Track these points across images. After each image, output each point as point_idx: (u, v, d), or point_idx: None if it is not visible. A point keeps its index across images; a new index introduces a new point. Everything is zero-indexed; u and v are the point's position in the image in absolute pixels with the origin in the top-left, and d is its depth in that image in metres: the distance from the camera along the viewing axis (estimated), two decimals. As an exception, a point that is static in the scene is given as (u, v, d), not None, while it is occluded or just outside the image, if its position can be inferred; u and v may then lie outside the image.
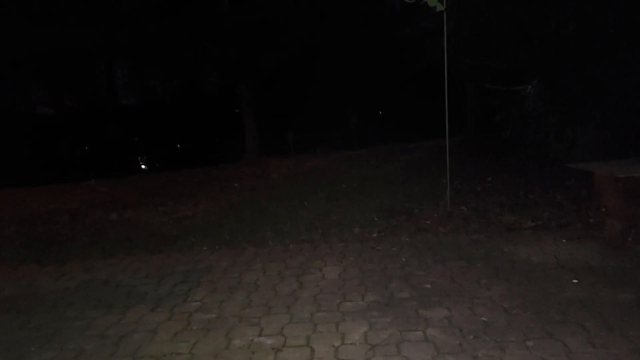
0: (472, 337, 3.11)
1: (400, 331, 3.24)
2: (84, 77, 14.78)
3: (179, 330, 3.49)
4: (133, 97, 16.55)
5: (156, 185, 9.00)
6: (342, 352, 3.05)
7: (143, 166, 14.68)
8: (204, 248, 5.26)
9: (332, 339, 3.22)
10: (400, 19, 8.48)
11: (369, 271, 4.30)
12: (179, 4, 10.48)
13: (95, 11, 10.52)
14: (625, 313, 3.26)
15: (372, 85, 13.10)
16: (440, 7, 5.27)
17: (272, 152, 11.88)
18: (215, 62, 11.95)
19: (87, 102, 15.40)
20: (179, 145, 15.12)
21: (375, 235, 5.27)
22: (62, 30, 10.32)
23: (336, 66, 12.55)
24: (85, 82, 15.08)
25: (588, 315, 3.26)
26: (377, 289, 3.93)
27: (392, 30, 9.81)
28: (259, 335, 3.33)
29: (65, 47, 10.78)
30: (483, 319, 3.32)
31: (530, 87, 6.04)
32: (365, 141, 13.10)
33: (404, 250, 4.75)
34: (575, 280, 3.81)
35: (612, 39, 5.35)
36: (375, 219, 5.72)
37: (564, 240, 4.68)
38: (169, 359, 3.13)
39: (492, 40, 5.90)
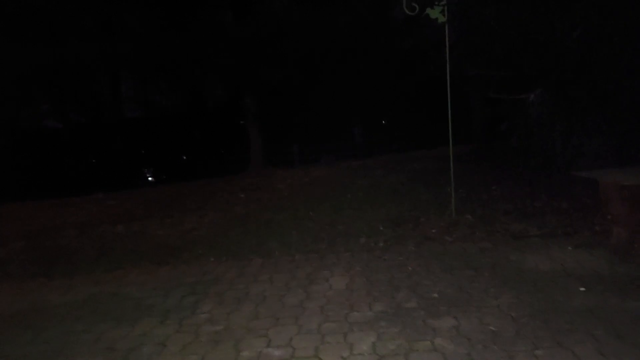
0: (480, 346, 3.10)
1: (409, 341, 3.24)
2: (90, 91, 14.94)
3: (188, 342, 3.50)
4: (139, 110, 16.69)
5: (162, 197, 9.04)
6: (351, 363, 3.05)
7: (150, 178, 14.75)
8: (211, 259, 5.28)
9: (341, 349, 3.21)
10: (403, 29, 8.55)
11: (376, 281, 4.31)
12: (184, 18, 10.59)
13: (100, 26, 10.65)
14: (634, 321, 3.24)
15: (377, 95, 13.15)
16: (442, 19, 5.34)
17: (277, 163, 11.91)
18: (220, 74, 12.04)
19: (93, 116, 15.54)
20: (184, 157, 15.20)
21: (381, 244, 5.27)
22: (67, 45, 10.45)
23: (341, 77, 12.60)
24: (91, 96, 15.23)
25: (597, 324, 3.24)
26: (384, 298, 3.92)
27: (395, 41, 9.88)
28: (267, 347, 3.33)
29: (71, 61, 10.90)
30: (491, 328, 3.31)
31: (534, 95, 6.05)
32: (370, 151, 13.13)
33: (411, 260, 4.75)
34: (583, 288, 3.80)
35: (617, 46, 5.36)
36: (382, 229, 5.73)
37: (570, 248, 4.67)
38: (177, 371, 3.14)
39: (496, 48, 5.93)
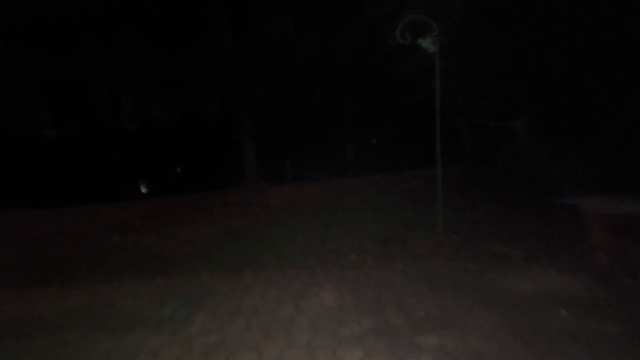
0: (463, 364, 3.23)
1: (395, 358, 3.36)
2: (87, 102, 15.03)
3: (181, 353, 3.59)
4: (135, 123, 16.77)
5: (156, 209, 9.14)
6: (339, 377, 3.17)
7: (144, 190, 14.78)
8: (205, 272, 5.38)
9: (329, 364, 3.33)
10: (395, 55, 8.82)
11: (365, 298, 4.43)
12: (185, 36, 10.81)
13: (99, 41, 10.83)
14: (613, 345, 3.37)
15: (369, 116, 13.41)
16: (432, 49, 5.58)
17: (270, 179, 12.07)
18: (216, 91, 12.24)
19: (89, 127, 15.60)
20: (178, 170, 15.28)
21: (370, 262, 5.41)
22: (66, 58, 10.60)
23: (334, 97, 12.86)
24: (88, 107, 15.31)
25: (577, 347, 3.37)
26: (372, 315, 4.05)
27: (387, 66, 10.14)
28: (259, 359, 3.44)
29: (69, 74, 11.04)
30: (475, 347, 3.44)
31: (519, 123, 6.29)
32: (361, 169, 13.32)
33: (398, 278, 4.89)
34: (564, 312, 3.93)
35: (600, 81, 5.61)
36: (371, 247, 5.87)
37: (552, 272, 4.82)
38: (171, 381, 3.23)
39: (483, 78, 6.17)
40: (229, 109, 13.57)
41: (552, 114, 6.08)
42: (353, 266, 5.32)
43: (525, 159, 6.50)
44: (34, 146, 13.65)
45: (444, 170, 6.14)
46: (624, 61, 5.73)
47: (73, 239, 6.98)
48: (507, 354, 3.33)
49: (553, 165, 6.33)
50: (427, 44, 5.43)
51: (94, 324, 4.20)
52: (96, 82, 12.60)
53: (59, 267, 5.83)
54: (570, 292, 4.32)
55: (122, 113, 15.96)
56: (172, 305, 4.51)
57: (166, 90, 12.90)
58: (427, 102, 7.15)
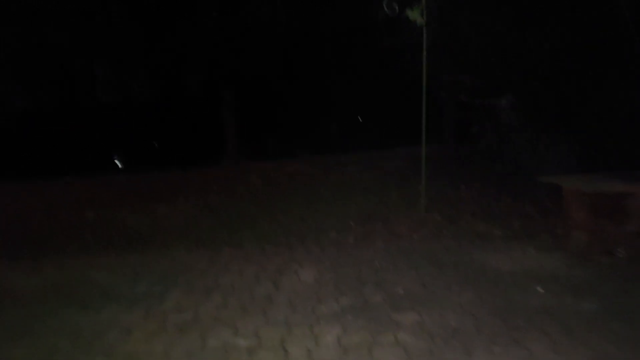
0: (441, 341, 3.21)
1: (373, 335, 3.33)
2: (62, 73, 14.56)
3: (154, 330, 3.51)
4: (111, 95, 16.35)
5: (133, 184, 8.96)
6: (316, 355, 3.12)
7: (119, 165, 14.48)
8: (181, 249, 5.29)
9: (306, 341, 3.28)
10: (382, 29, 8.67)
11: (344, 275, 4.39)
12: (163, 4, 10.46)
13: (77, 9, 10.42)
14: (587, 322, 3.40)
15: (353, 92, 13.25)
16: (421, 22, 5.44)
17: (251, 155, 11.90)
18: (197, 64, 11.94)
19: (63, 98, 15.17)
20: (156, 145, 14.97)
21: (351, 240, 5.37)
22: (40, 27, 10.21)
23: (318, 73, 12.66)
24: (63, 78, 14.84)
25: (552, 323, 3.39)
26: (351, 293, 4.01)
27: (374, 40, 9.99)
28: (234, 336, 3.38)
29: (42, 43, 10.65)
30: (452, 324, 3.43)
31: (504, 101, 6.25)
32: (344, 147, 13.23)
33: (379, 256, 4.86)
34: (541, 289, 3.95)
35: (584, 61, 5.59)
36: (352, 225, 5.83)
37: (532, 250, 4.85)
38: (142, 358, 3.15)
39: (469, 55, 6.10)
40: (209, 83, 13.27)
41: (536, 93, 6.06)
42: (333, 244, 5.28)
43: (508, 138, 6.49)
44: (5, 117, 13.24)
45: (428, 149, 6.10)
46: (607, 43, 5.72)
47: (46, 213, 6.80)
48: (484, 329, 3.34)
49: (536, 145, 6.34)
50: (415, 16, 5.29)
51: (66, 299, 4.09)
52: (71, 52, 12.16)
53: (31, 241, 5.67)
54: (549, 270, 4.34)
55: (98, 85, 15.53)
56: (146, 282, 4.41)
57: (145, 63, 12.54)
58: (412, 79, 7.06)
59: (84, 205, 7.16)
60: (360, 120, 15.11)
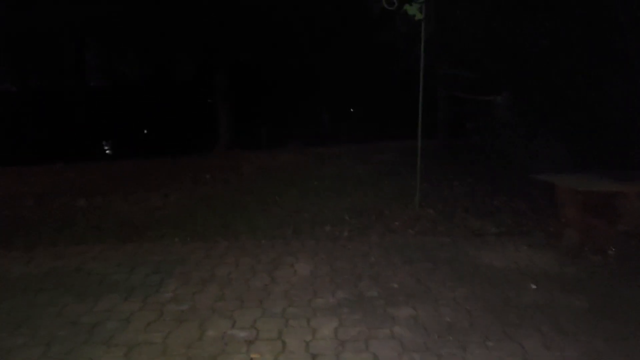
0: (436, 336, 3.28)
1: (369, 328, 3.38)
2: (52, 56, 14.32)
3: (152, 320, 3.54)
4: (102, 80, 16.14)
5: (124, 172, 8.88)
6: (313, 347, 3.17)
7: (108, 151, 14.35)
8: (176, 239, 5.28)
9: (304, 333, 3.33)
10: (379, 22, 8.64)
11: (340, 269, 4.43)
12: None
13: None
14: (578, 318, 3.49)
15: (348, 84, 13.23)
16: (419, 16, 5.44)
17: (244, 145, 11.84)
18: (190, 49, 11.81)
19: (53, 82, 14.94)
20: (146, 132, 14.85)
21: (346, 234, 5.40)
22: (30, 8, 9.99)
23: (313, 63, 12.61)
24: (53, 61, 14.60)
25: (544, 320, 3.47)
26: (347, 286, 4.06)
27: (370, 33, 9.97)
28: (232, 328, 3.41)
29: (33, 25, 10.43)
30: (447, 319, 3.50)
31: (499, 97, 6.29)
32: (337, 139, 13.23)
33: (374, 250, 4.90)
34: (533, 286, 4.03)
35: (579, 58, 5.64)
36: (346, 218, 5.85)
37: (525, 247, 4.92)
38: (142, 348, 3.18)
39: (466, 50, 6.12)
40: (203, 69, 13.12)
41: (531, 90, 6.11)
42: (328, 238, 5.30)
43: (503, 134, 6.54)
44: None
45: (422, 143, 6.12)
46: (602, 41, 5.77)
47: (37, 200, 6.72)
48: (478, 325, 3.41)
49: (530, 142, 6.39)
50: (413, 11, 5.29)
51: (62, 288, 4.10)
52: (60, 34, 11.93)
53: (24, 228, 5.62)
54: (541, 267, 4.42)
55: (89, 69, 15.30)
56: (142, 272, 4.42)
57: (135, 45, 12.33)
58: (407, 72, 7.07)
59: (76, 193, 7.09)
60: (354, 111, 15.12)
